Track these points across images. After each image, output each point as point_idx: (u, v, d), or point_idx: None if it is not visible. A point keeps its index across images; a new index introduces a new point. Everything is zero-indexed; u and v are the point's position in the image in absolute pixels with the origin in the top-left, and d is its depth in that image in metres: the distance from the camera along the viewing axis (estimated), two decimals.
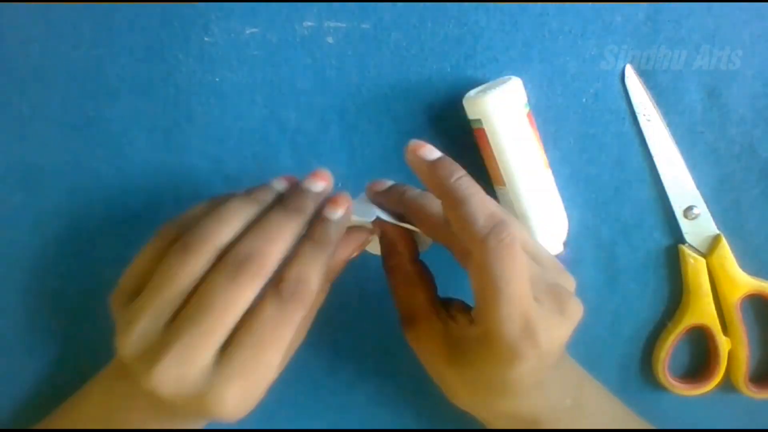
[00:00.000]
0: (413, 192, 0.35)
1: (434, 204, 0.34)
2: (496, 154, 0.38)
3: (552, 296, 0.32)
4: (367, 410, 0.44)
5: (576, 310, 0.33)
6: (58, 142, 0.41)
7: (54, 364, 0.41)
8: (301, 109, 0.41)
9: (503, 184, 0.39)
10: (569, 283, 0.34)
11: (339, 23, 0.40)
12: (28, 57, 0.40)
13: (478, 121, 0.38)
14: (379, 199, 0.36)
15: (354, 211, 0.34)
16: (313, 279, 0.30)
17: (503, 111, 0.38)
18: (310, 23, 0.40)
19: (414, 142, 0.33)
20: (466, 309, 0.36)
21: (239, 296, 0.29)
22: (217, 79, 0.41)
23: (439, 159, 0.33)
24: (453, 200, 0.32)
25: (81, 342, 0.41)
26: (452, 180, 0.32)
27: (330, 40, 0.41)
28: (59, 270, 0.41)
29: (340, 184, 0.41)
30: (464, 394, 0.35)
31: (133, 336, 0.29)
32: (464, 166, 0.41)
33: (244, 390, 0.29)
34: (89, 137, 0.41)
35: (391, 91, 0.41)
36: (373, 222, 0.35)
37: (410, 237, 0.37)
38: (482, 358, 0.32)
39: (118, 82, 0.41)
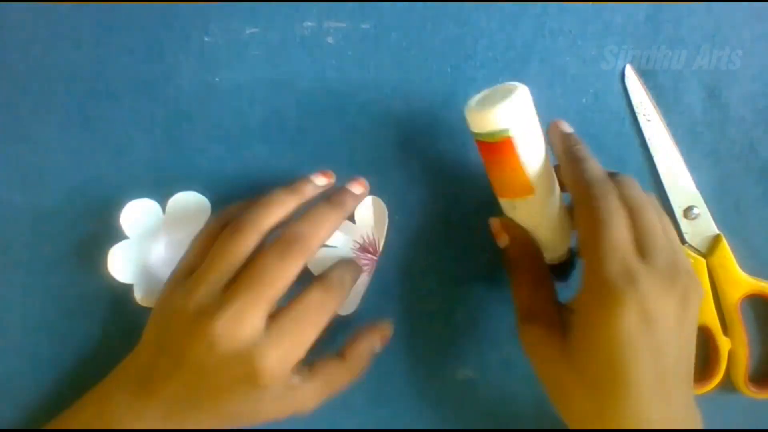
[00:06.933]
0: (579, 149, 0.37)
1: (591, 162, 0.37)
2: (525, 161, 0.35)
3: (665, 262, 0.33)
4: (367, 410, 0.44)
5: (692, 288, 0.33)
6: (58, 142, 0.41)
7: (53, 364, 0.41)
8: (301, 109, 0.41)
9: (531, 192, 0.36)
10: (687, 262, 0.35)
11: (339, 23, 0.41)
12: (28, 57, 0.40)
13: (505, 131, 0.34)
14: (557, 136, 0.38)
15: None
16: (348, 283, 0.37)
17: (531, 115, 0.35)
18: (310, 23, 0.40)
19: (555, 121, 0.38)
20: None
21: (286, 271, 0.34)
22: (217, 79, 0.41)
23: (569, 133, 0.38)
24: (572, 159, 0.36)
25: (81, 342, 0.41)
26: (573, 145, 0.37)
27: (330, 40, 0.41)
28: (59, 270, 0.41)
29: (340, 184, 0.41)
30: (579, 393, 0.33)
31: (197, 296, 0.33)
32: (465, 175, 0.41)
33: (286, 352, 0.33)
34: (89, 137, 0.41)
35: (391, 91, 0.41)
36: (502, 223, 0.38)
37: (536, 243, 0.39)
38: (587, 312, 0.33)
39: (118, 82, 0.41)
